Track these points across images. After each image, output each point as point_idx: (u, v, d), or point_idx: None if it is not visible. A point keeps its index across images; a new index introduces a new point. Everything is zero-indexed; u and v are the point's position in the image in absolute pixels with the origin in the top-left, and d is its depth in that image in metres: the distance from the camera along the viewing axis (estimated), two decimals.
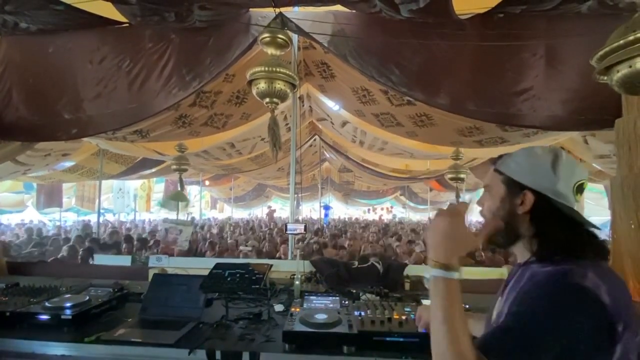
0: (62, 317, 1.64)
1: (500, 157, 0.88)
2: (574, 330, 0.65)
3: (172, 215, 5.33)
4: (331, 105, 5.48)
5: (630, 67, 1.40)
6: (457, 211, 0.77)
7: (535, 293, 0.71)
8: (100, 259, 3.24)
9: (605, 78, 1.56)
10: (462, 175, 5.05)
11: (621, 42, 1.40)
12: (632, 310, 0.70)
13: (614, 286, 0.69)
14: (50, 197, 10.01)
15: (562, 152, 0.80)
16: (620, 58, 1.42)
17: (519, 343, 0.65)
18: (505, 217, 0.82)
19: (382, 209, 20.08)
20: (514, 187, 0.81)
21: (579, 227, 0.77)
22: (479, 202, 0.91)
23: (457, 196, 5.86)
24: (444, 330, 0.67)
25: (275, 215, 15.55)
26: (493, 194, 0.86)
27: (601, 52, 1.50)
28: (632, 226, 2.17)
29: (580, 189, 0.77)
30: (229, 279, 1.87)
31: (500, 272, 2.84)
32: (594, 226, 0.77)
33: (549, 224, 0.77)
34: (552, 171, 0.77)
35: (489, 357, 0.64)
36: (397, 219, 17.41)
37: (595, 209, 11.12)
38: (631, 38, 1.37)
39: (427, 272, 0.74)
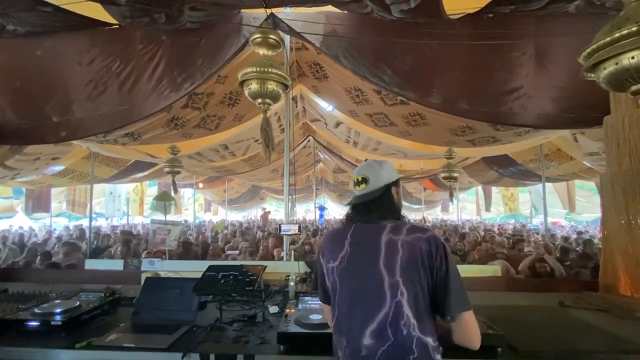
0: (52, 323, 1.60)
1: None
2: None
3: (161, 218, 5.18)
4: (325, 105, 5.48)
5: (617, 64, 1.42)
6: None
7: None
8: (92, 264, 3.19)
9: (593, 75, 1.59)
10: (455, 174, 5.08)
11: (607, 39, 1.43)
12: (328, 246, 1.23)
13: (328, 235, 1.30)
14: (38, 202, 9.83)
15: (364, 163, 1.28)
16: (607, 55, 1.44)
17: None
18: None
19: None
20: None
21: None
22: None
23: (451, 195, 5.89)
24: None
25: (270, 217, 15.27)
26: None
27: (588, 50, 1.52)
28: (622, 222, 2.20)
29: (355, 183, 1.24)
30: (222, 281, 1.85)
31: (493, 270, 2.87)
32: (354, 204, 1.25)
33: None
34: None
35: None
36: None
37: (586, 206, 11.22)
38: (617, 35, 1.40)
39: None
